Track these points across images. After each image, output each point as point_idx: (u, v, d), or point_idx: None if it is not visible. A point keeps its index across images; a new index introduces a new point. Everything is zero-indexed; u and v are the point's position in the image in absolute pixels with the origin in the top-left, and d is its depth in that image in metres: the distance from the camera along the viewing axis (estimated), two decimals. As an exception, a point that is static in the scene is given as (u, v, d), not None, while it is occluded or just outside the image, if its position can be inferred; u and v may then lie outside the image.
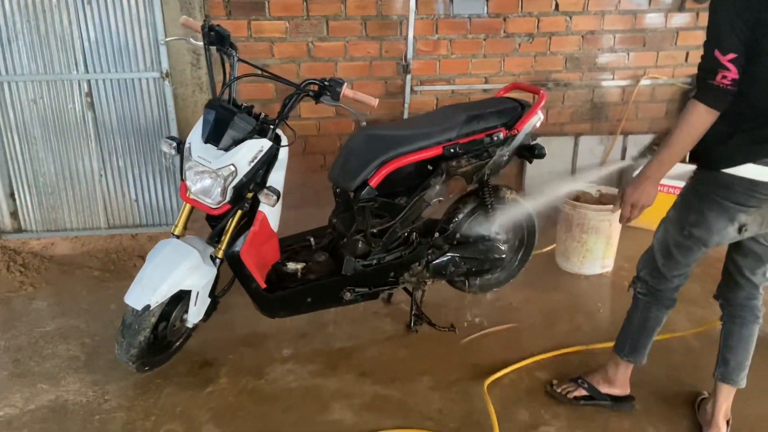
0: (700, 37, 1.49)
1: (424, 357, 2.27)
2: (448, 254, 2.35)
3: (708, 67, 1.47)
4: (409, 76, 3.36)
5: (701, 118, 1.51)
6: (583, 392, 2.01)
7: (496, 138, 2.22)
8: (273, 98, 3.25)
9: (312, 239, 2.37)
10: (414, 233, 2.29)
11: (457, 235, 2.37)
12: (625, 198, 1.69)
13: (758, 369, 1.99)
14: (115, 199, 3.13)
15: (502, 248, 2.41)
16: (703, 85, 1.49)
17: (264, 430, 1.92)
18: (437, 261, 2.34)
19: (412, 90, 3.41)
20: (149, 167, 3.10)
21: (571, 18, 3.44)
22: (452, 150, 2.16)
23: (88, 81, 2.90)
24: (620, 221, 1.76)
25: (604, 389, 2.00)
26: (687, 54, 3.64)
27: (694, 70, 1.58)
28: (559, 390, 2.05)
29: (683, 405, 2.02)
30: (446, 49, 3.40)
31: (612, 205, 1.82)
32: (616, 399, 2.00)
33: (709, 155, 1.56)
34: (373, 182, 2.09)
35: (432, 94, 3.48)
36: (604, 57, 3.57)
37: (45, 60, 2.85)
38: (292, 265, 2.22)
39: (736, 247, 1.78)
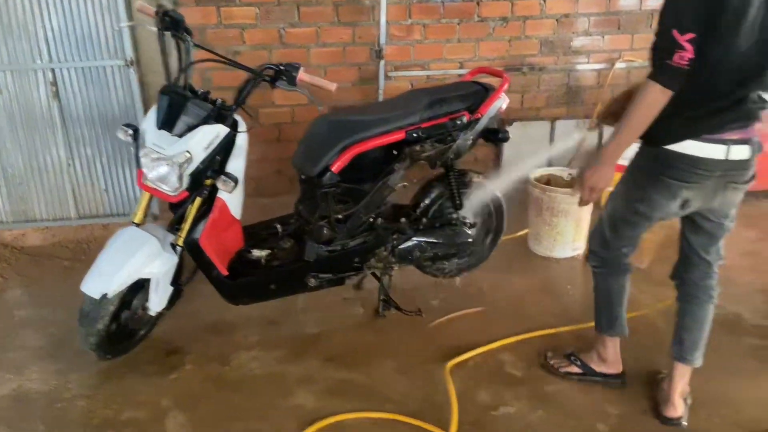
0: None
1: (390, 341, 2.28)
2: (414, 239, 2.34)
3: (665, 46, 1.47)
4: (382, 62, 3.33)
5: (657, 97, 1.50)
6: (575, 369, 2.04)
7: (459, 122, 2.21)
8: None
9: (279, 226, 2.36)
10: (379, 219, 2.28)
11: (423, 220, 2.37)
12: (583, 181, 1.69)
13: (717, 349, 2.01)
14: (84, 188, 3.10)
15: (469, 232, 2.41)
16: (659, 65, 1.49)
17: (227, 415, 1.93)
18: (403, 246, 2.33)
19: (386, 76, 3.38)
20: (118, 156, 3.07)
21: (545, 1, 3.41)
22: (415, 134, 2.15)
23: (53, 70, 2.87)
24: (579, 204, 1.77)
25: (598, 368, 2.01)
26: (662, 36, 3.62)
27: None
28: (552, 362, 2.08)
29: (642, 384, 2.03)
30: (420, 34, 3.37)
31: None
32: (607, 377, 2.02)
33: (651, 132, 1.55)
34: (335, 167, 2.08)
35: (406, 80, 3.45)
36: (579, 40, 3.55)
37: (8, 50, 2.81)
38: (256, 252, 2.21)
39: (688, 226, 1.78)
